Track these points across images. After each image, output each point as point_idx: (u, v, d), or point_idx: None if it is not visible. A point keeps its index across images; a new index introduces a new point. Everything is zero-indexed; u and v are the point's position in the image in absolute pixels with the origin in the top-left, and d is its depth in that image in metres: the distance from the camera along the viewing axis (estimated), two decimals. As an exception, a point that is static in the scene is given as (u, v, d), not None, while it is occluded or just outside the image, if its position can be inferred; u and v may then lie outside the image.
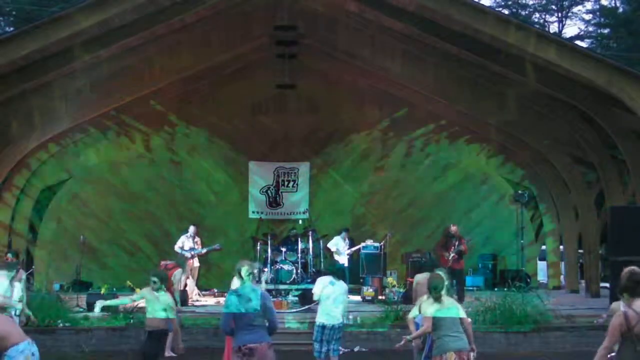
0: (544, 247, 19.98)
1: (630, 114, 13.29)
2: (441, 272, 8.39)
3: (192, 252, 15.74)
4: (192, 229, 16.05)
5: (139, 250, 18.87)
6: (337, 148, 19.16)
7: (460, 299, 14.43)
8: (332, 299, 9.44)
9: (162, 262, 13.08)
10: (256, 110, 18.53)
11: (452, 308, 7.24)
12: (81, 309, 13.35)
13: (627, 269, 5.65)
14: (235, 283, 7.35)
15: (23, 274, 10.30)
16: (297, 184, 19.10)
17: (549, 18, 39.69)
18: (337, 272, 10.18)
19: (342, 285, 9.65)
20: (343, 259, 16.19)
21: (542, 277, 19.66)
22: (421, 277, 9.67)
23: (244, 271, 6.88)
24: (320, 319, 9.48)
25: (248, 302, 6.67)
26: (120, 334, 12.15)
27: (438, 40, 14.69)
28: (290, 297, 15.06)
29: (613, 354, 5.66)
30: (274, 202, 19.20)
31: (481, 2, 15.60)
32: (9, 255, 10.10)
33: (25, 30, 13.63)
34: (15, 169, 16.63)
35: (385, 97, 17.67)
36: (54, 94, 15.42)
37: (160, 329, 8.66)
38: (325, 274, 10.25)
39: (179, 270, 11.86)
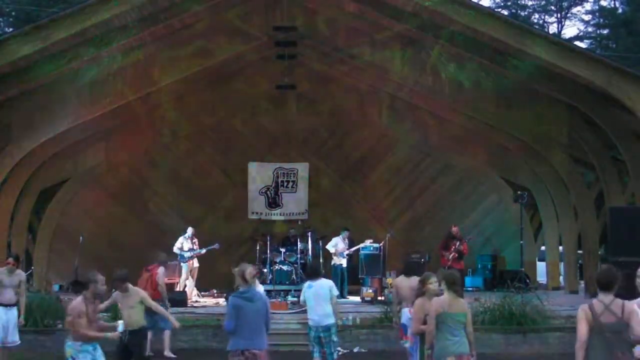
0: (543, 247, 19.97)
1: (629, 114, 13.30)
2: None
3: (192, 253, 15.74)
4: (190, 230, 16.06)
5: (138, 250, 18.83)
6: (337, 148, 19.15)
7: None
8: (312, 300, 9.26)
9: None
10: (256, 110, 18.52)
11: (460, 310, 6.88)
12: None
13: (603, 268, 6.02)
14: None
15: (23, 276, 10.31)
16: (296, 185, 19.09)
17: (548, 19, 39.76)
18: (311, 273, 9.88)
19: (322, 284, 9.35)
20: (341, 260, 16.16)
21: (541, 277, 19.65)
22: (399, 280, 9.60)
23: (248, 274, 6.94)
24: (308, 321, 9.42)
25: (253, 304, 6.80)
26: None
27: (437, 41, 14.70)
28: (290, 298, 15.07)
29: None
30: (273, 202, 19.20)
31: (481, 2, 15.63)
32: (10, 259, 10.11)
33: (25, 30, 13.64)
34: (14, 169, 16.61)
35: (385, 97, 17.67)
36: (54, 94, 15.43)
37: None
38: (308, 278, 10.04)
39: (161, 268, 11.81)
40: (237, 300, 6.91)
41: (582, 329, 5.66)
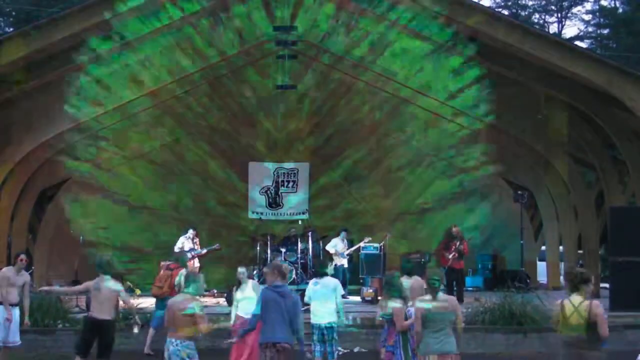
0: (543, 247, 19.97)
1: (630, 114, 13.31)
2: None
3: (192, 253, 15.74)
4: (191, 230, 16.05)
5: (138, 250, 18.83)
6: (337, 148, 19.12)
7: (459, 300, 14.49)
8: (316, 298, 9.29)
9: (163, 263, 13.05)
10: (256, 110, 18.50)
11: (444, 309, 6.97)
12: (81, 310, 13.34)
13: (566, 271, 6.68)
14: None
15: (28, 277, 10.32)
16: (296, 185, 19.08)
17: (548, 19, 39.77)
18: (318, 270, 9.94)
19: (327, 283, 9.36)
20: (342, 260, 16.15)
21: (541, 277, 19.66)
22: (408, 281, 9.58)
23: (285, 269, 7.44)
24: (311, 319, 9.44)
25: (289, 299, 7.23)
26: (120, 334, 12.10)
27: (437, 40, 14.70)
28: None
29: None
30: (274, 202, 19.19)
31: (481, 2, 15.63)
32: (23, 256, 10.17)
33: (25, 30, 13.66)
34: (15, 169, 16.61)
35: (385, 97, 17.65)
36: (54, 94, 15.42)
37: None
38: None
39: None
40: (269, 293, 7.18)
41: (555, 319, 6.59)
